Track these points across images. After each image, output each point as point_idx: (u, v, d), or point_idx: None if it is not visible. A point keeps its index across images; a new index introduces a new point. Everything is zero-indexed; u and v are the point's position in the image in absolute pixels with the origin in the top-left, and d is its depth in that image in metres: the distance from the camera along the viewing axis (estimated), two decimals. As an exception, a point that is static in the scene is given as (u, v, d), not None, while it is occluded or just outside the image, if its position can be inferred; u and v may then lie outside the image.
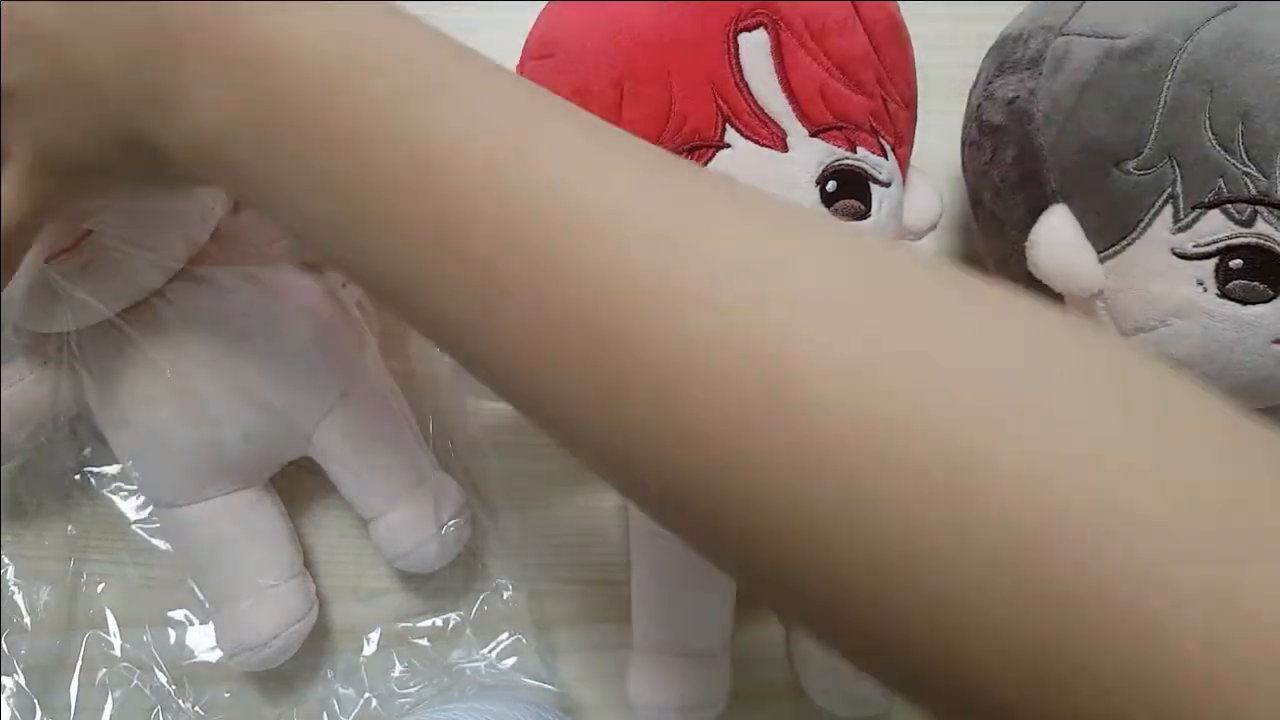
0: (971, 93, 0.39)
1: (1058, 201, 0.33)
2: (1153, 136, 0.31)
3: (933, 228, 0.36)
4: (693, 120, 0.32)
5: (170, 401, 0.35)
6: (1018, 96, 0.34)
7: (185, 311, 0.35)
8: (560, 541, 0.44)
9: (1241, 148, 0.30)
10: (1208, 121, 0.31)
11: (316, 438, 0.37)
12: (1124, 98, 0.32)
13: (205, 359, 0.35)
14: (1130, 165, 0.32)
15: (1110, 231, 0.33)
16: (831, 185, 0.33)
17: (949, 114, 0.39)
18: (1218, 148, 0.31)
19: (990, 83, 0.36)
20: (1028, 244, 0.34)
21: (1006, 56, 0.36)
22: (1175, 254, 0.32)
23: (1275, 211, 0.31)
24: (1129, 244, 0.33)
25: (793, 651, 0.40)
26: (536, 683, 0.40)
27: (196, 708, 0.39)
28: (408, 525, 0.38)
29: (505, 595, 0.42)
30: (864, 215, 0.33)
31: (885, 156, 0.34)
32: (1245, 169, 0.31)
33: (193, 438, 0.36)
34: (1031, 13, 0.36)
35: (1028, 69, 0.34)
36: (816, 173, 0.32)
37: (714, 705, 0.38)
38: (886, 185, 0.34)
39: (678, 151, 0.32)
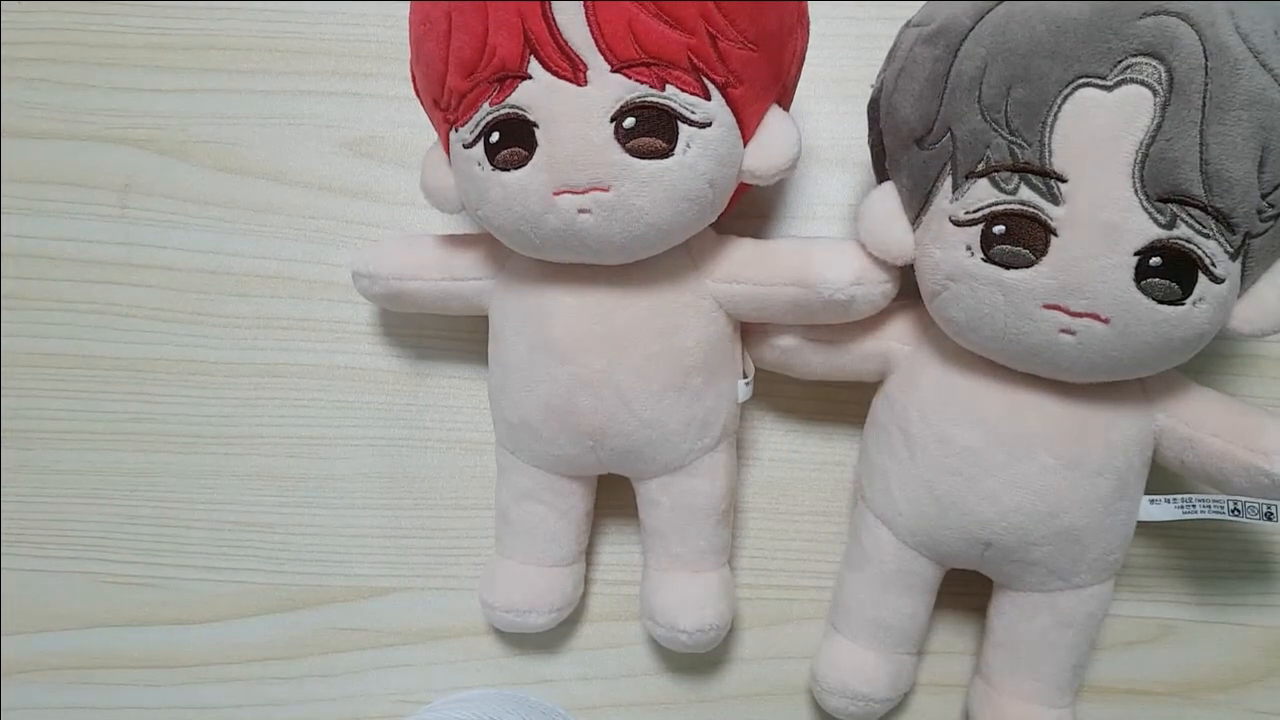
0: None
1: (887, 179, 0.36)
2: (939, 114, 0.33)
3: (781, 172, 0.36)
4: (502, 51, 0.33)
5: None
6: (876, 87, 0.38)
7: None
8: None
9: (1005, 119, 0.32)
10: (979, 95, 0.32)
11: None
12: (921, 79, 0.34)
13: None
14: (925, 142, 0.34)
15: (914, 205, 0.35)
16: (629, 122, 0.33)
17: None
18: (986, 119, 0.32)
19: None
20: (856, 219, 0.37)
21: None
22: (952, 221, 0.33)
23: (1039, 179, 0.31)
24: (924, 214, 0.35)
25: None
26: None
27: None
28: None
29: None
30: (666, 154, 0.34)
31: (707, 97, 0.34)
32: (1011, 139, 0.32)
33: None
34: (917, 11, 0.39)
35: (888, 63, 0.37)
36: (614, 109, 0.33)
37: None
38: (703, 126, 0.34)
39: (489, 81, 0.33)
